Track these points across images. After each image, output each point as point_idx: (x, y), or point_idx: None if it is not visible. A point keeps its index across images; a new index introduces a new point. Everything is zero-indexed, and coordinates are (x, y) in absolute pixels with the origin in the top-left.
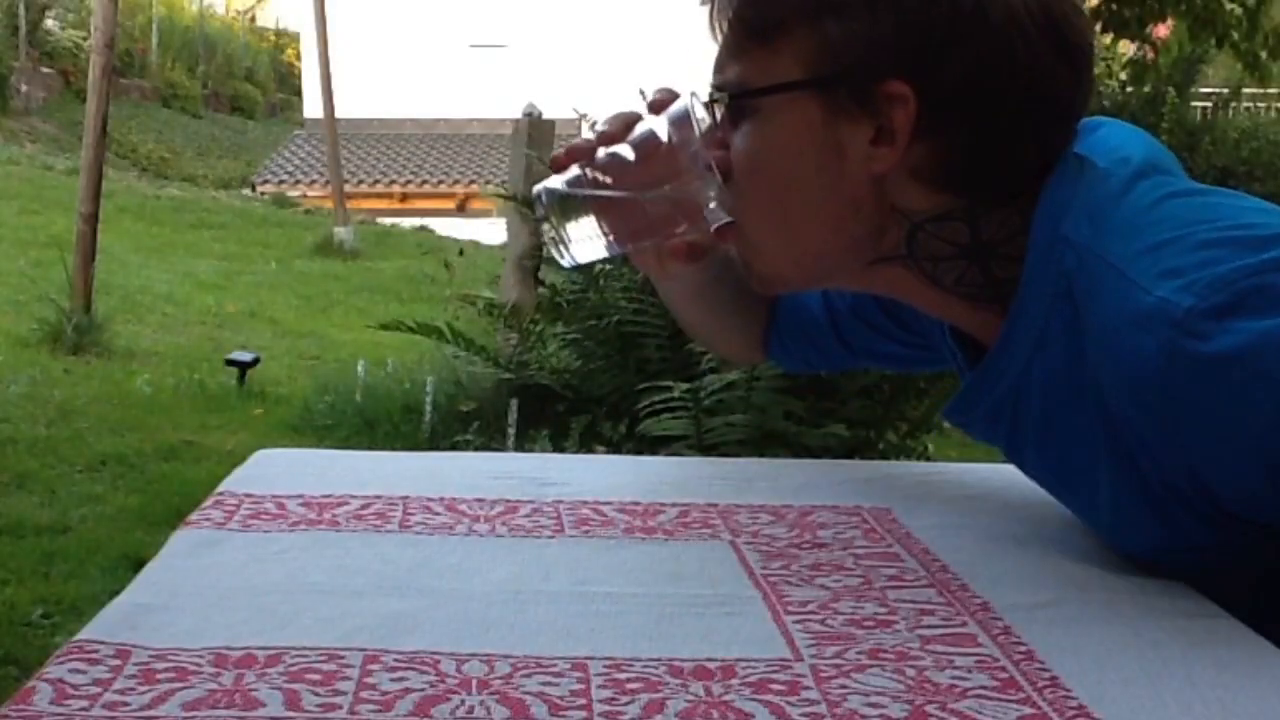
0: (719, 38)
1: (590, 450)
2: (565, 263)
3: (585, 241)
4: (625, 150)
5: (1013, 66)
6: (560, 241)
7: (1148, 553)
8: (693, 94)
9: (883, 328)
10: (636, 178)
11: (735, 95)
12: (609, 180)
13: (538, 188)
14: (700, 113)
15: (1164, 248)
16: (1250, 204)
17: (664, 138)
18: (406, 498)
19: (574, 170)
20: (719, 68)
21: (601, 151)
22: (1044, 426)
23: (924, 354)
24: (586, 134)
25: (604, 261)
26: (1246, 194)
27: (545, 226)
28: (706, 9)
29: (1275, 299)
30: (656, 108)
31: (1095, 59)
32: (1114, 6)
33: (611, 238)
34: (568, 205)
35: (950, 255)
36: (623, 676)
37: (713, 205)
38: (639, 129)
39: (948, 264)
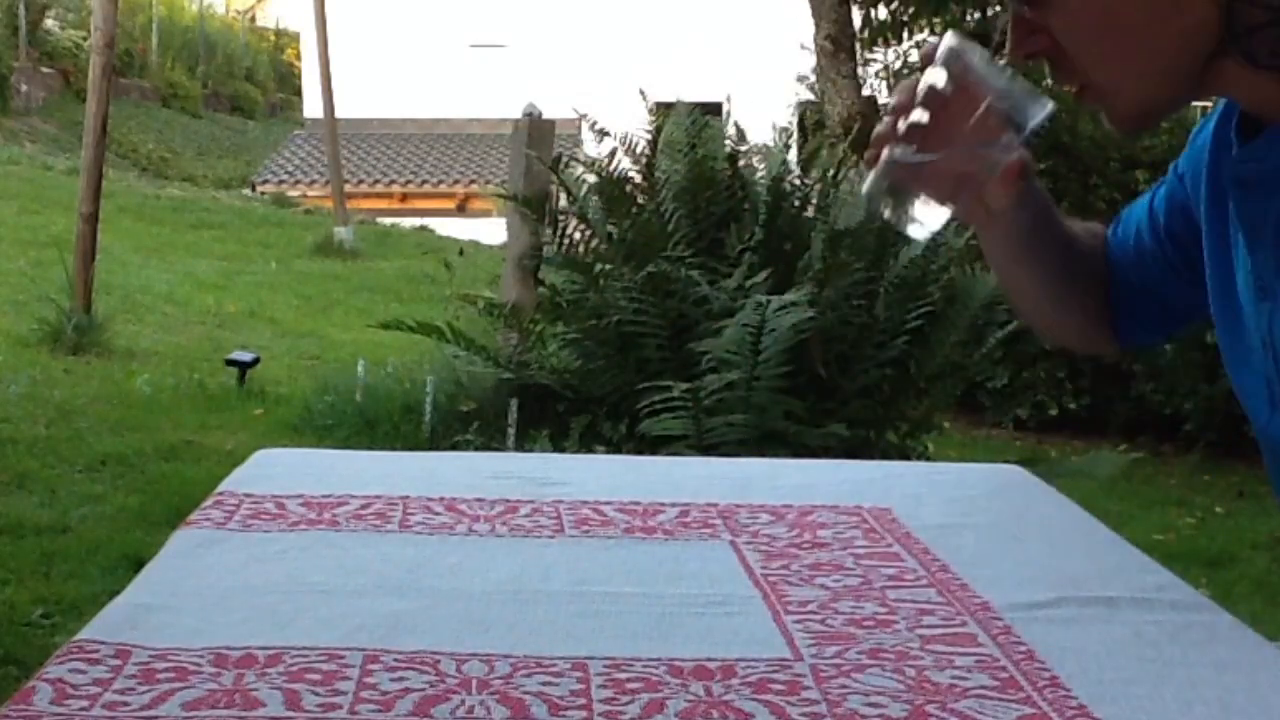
0: None
1: (590, 450)
2: (920, 236)
3: (927, 213)
4: (919, 115)
5: None
6: (906, 221)
7: None
8: (950, 32)
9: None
10: (941, 134)
11: None
12: (918, 150)
13: (865, 189)
14: (963, 42)
15: None
16: None
17: (944, 86)
18: (406, 498)
19: (885, 154)
20: None
21: (900, 124)
22: None
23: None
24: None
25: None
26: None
27: (886, 214)
28: None
29: None
30: (926, 60)
31: None
32: None
33: (947, 197)
34: (896, 189)
35: (1265, 22)
36: (623, 676)
37: (1026, 102)
38: (920, 88)
39: (1263, 33)
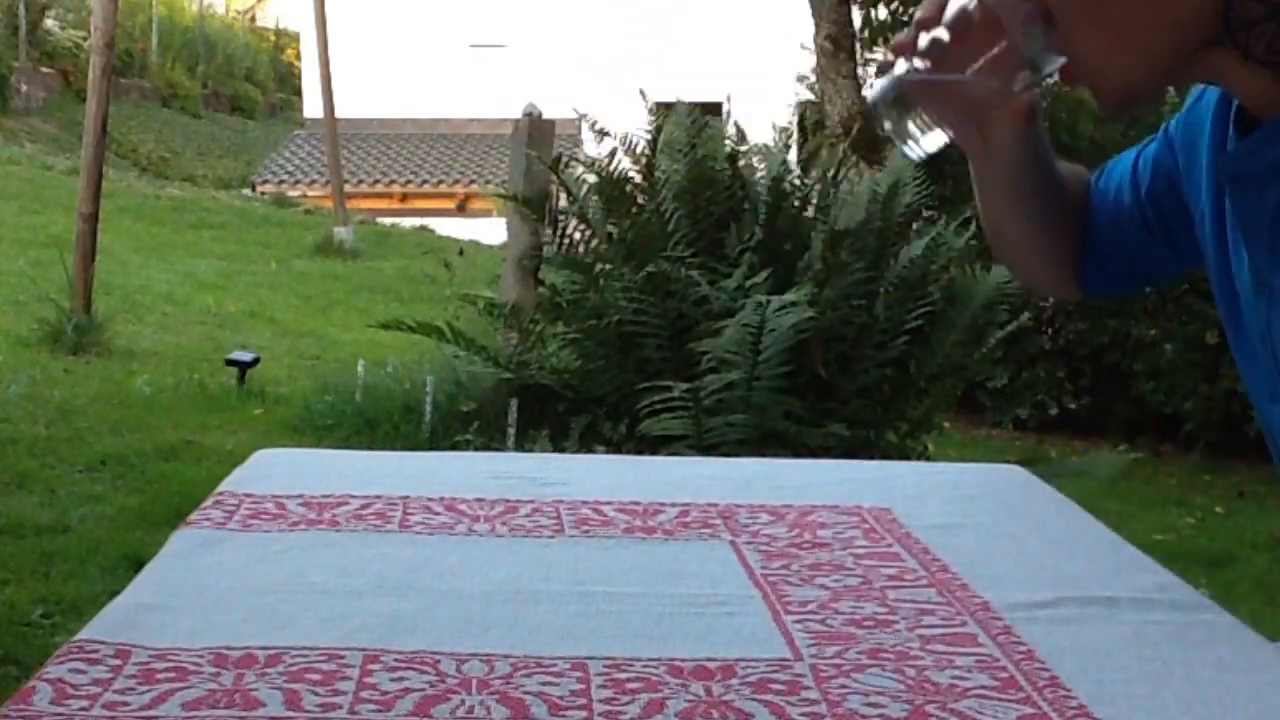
0: None
1: (590, 450)
2: (914, 155)
3: (927, 132)
4: (941, 33)
5: None
6: (904, 137)
7: None
8: None
9: (1174, 215)
10: (959, 57)
11: None
12: (933, 67)
13: (871, 95)
14: None
15: None
16: None
17: (973, 10)
18: (406, 498)
19: (900, 65)
20: None
21: (922, 39)
22: None
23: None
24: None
25: (947, 147)
26: None
27: (886, 125)
28: None
29: None
30: None
31: None
32: None
33: (950, 121)
34: (903, 101)
35: (1263, 18)
36: (623, 676)
37: (1043, 55)
38: (950, 9)
39: (1260, 28)
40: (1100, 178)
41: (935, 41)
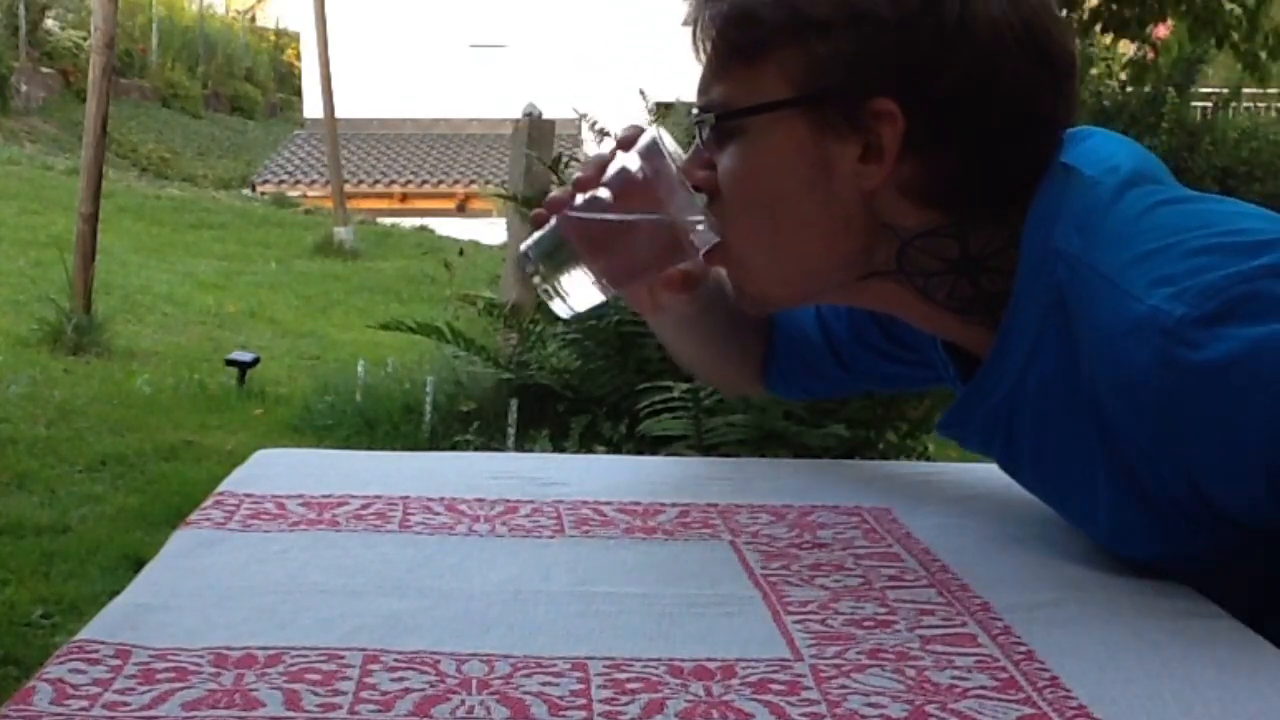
0: (702, 58)
1: (590, 450)
2: (564, 313)
3: (579, 290)
4: (602, 192)
5: (998, 81)
6: (555, 294)
7: (1146, 559)
8: (658, 125)
9: (881, 349)
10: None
11: (722, 116)
12: (600, 212)
13: (523, 246)
14: (670, 144)
15: (1155, 256)
16: (1242, 209)
17: (636, 172)
18: (406, 498)
19: (553, 221)
20: (704, 88)
21: (579, 198)
22: (1040, 438)
23: (923, 371)
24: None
25: (599, 306)
26: (1244, 196)
27: (537, 280)
28: (689, 30)
29: (1268, 305)
30: (625, 145)
31: (1078, 69)
32: (1114, 6)
33: (604, 280)
34: (556, 257)
35: (940, 270)
36: (623, 676)
37: (700, 229)
38: (611, 169)
39: (938, 279)
40: None
41: (595, 200)
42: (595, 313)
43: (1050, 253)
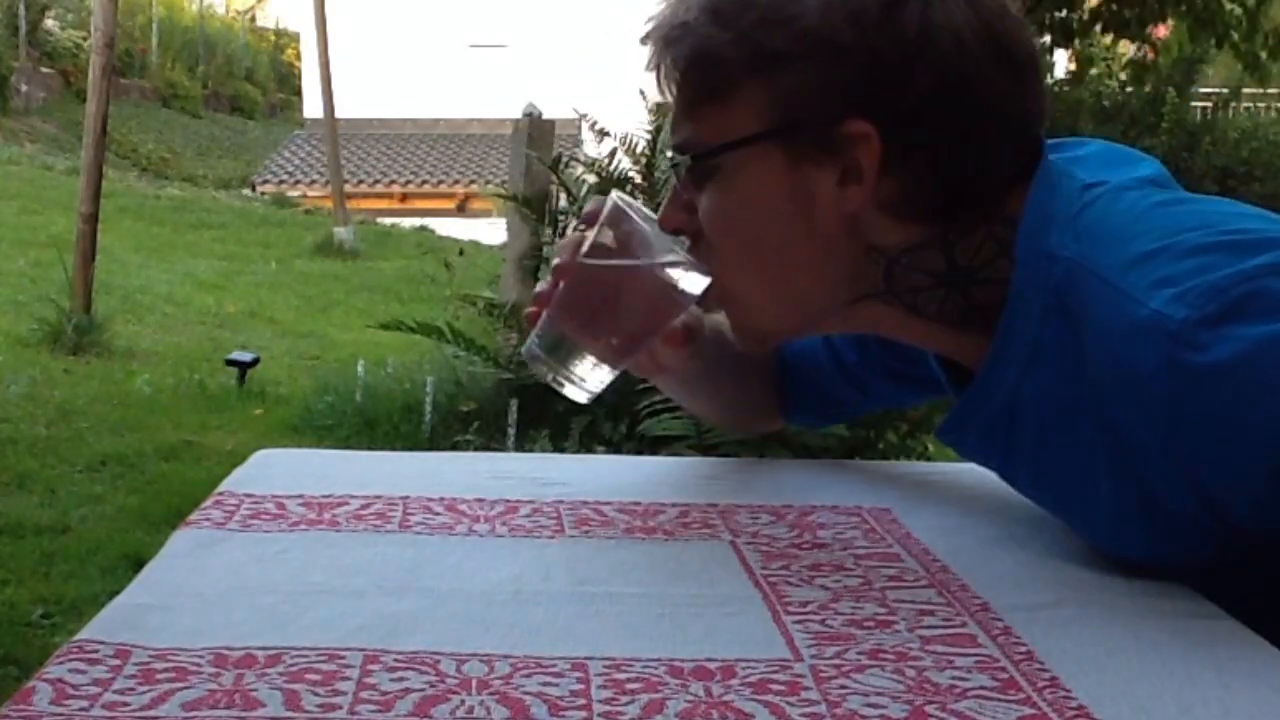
0: (670, 99)
1: (590, 450)
2: (582, 399)
3: (590, 373)
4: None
5: (966, 89)
6: (569, 382)
7: (1147, 562)
8: (613, 191)
9: (889, 366)
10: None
11: (697, 156)
12: (579, 323)
13: (524, 350)
14: (632, 204)
15: (1155, 257)
16: (1242, 210)
17: (610, 244)
18: (406, 498)
19: (545, 315)
20: (675, 129)
21: (562, 286)
22: (1040, 444)
23: (934, 386)
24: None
25: (615, 381)
26: (1244, 196)
27: (549, 376)
28: (652, 73)
29: (1270, 304)
30: (589, 220)
31: (1039, 66)
32: (1114, 6)
33: (610, 359)
34: (559, 350)
35: (929, 285)
36: (623, 676)
37: (686, 273)
38: (585, 247)
39: (928, 294)
40: None
41: (582, 269)
42: (613, 388)
43: (1046, 258)
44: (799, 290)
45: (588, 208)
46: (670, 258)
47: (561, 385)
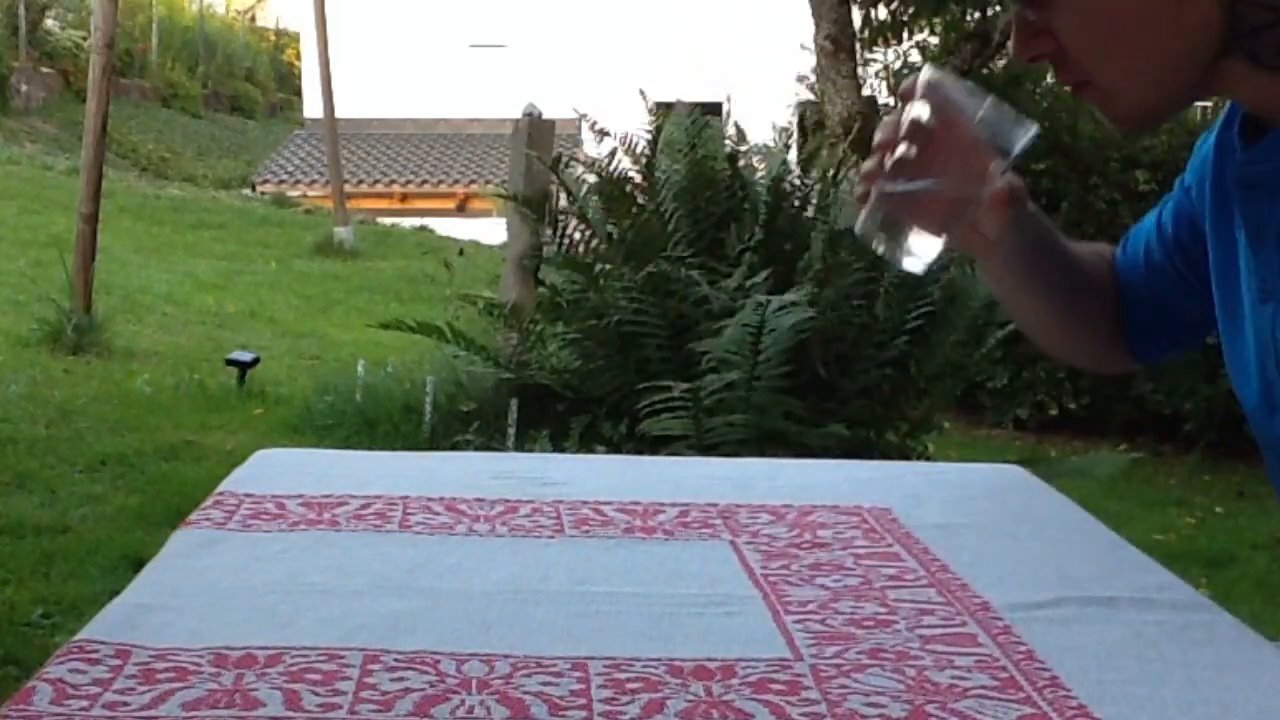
0: None
1: (590, 450)
2: (918, 269)
3: (921, 245)
4: (904, 149)
5: None
6: (901, 254)
7: None
8: (927, 65)
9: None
10: (927, 165)
11: None
12: (908, 183)
13: (857, 227)
14: (939, 75)
15: None
16: None
17: (928, 120)
18: (406, 498)
19: (874, 192)
20: None
21: (887, 160)
22: None
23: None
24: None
25: (945, 252)
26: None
27: (881, 249)
28: None
29: None
30: (906, 96)
31: None
32: None
33: (936, 228)
34: (890, 227)
35: (1269, 23)
36: (623, 676)
37: (1007, 130)
38: (904, 124)
39: (1267, 35)
40: (1125, 246)
41: (901, 159)
42: (940, 260)
43: None
44: (1164, 56)
45: (902, 88)
46: (990, 117)
47: (900, 260)
